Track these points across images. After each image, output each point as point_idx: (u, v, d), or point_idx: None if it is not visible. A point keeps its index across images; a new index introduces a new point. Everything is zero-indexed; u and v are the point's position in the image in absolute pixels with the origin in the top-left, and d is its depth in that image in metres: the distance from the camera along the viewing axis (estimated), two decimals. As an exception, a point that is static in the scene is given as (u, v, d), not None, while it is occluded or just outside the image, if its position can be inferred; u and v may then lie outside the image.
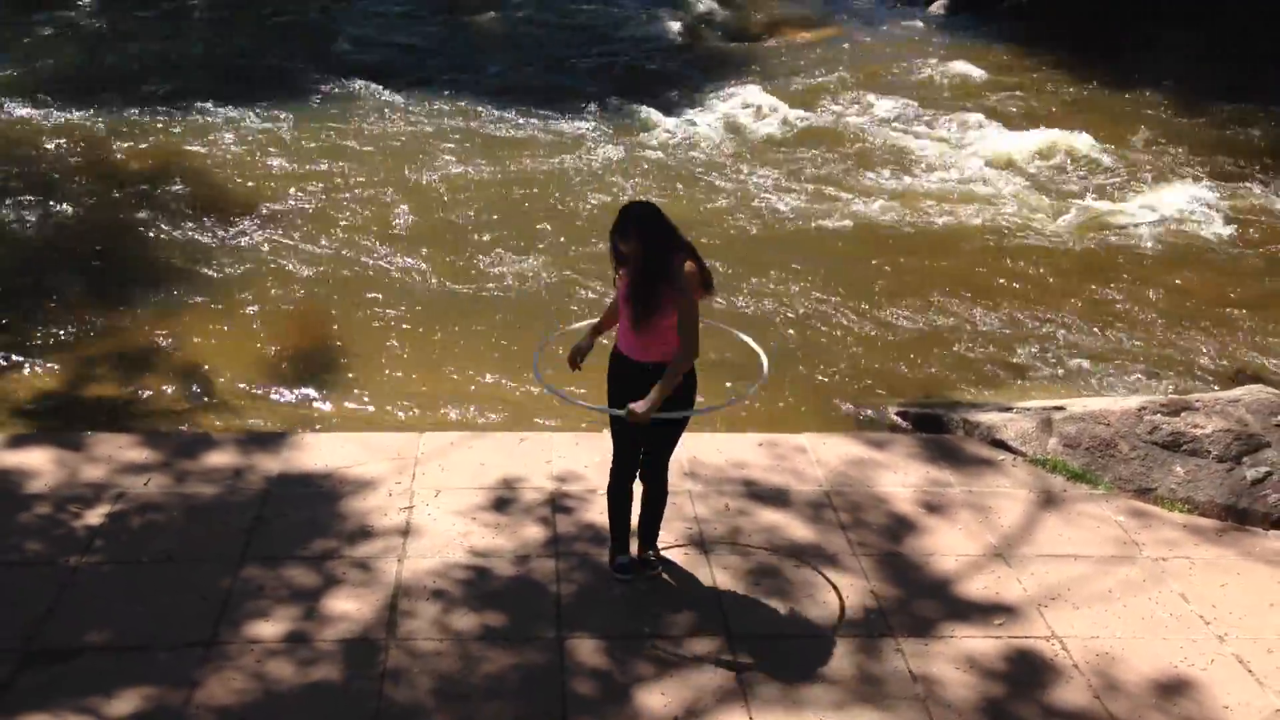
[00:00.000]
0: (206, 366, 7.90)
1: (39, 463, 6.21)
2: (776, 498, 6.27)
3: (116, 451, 6.37)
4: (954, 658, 5.15)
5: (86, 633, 5.01)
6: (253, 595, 5.29)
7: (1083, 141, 12.49)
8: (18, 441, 6.46)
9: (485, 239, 9.88)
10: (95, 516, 5.79)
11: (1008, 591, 5.62)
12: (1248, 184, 11.80)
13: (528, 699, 4.78)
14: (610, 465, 5.41)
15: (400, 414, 7.43)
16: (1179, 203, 11.25)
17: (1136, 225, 10.82)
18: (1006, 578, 5.72)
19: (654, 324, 4.96)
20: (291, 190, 10.64)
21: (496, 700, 4.76)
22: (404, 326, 8.49)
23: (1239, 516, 6.50)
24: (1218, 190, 11.50)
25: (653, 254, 4.90)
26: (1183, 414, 6.96)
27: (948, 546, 5.95)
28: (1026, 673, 5.09)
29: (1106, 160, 12.26)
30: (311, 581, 5.41)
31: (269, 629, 5.08)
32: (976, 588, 5.64)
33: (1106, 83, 14.84)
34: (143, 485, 6.08)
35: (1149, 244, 10.44)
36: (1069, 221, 10.80)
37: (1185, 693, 5.00)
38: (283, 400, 7.61)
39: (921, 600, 5.53)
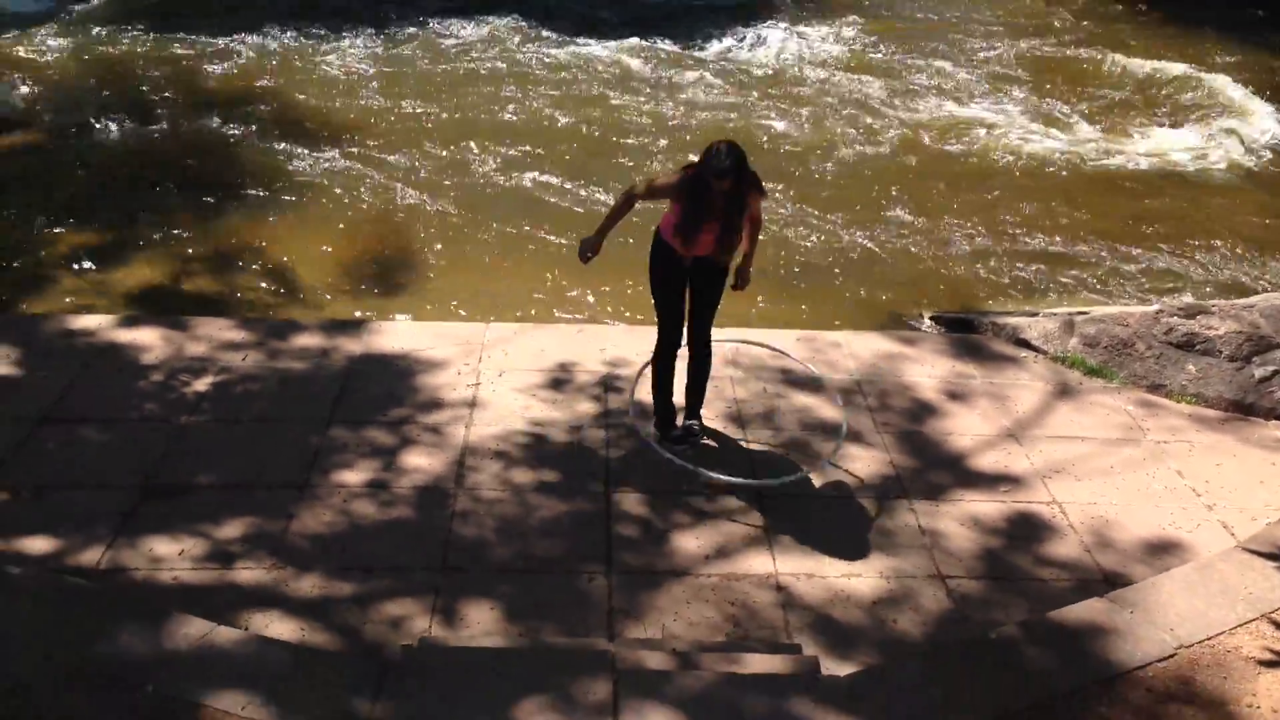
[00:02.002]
0: (292, 266, 8.61)
1: (150, 339, 6.97)
2: (810, 384, 6.84)
3: (216, 332, 7.11)
4: (960, 517, 5.72)
5: (196, 475, 5.74)
6: (338, 450, 6.00)
7: (1149, 73, 12.76)
8: (130, 321, 7.22)
9: (551, 158, 10.47)
10: (200, 384, 6.53)
11: (1016, 465, 6.17)
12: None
13: (578, 538, 5.44)
14: (654, 350, 6.00)
15: (468, 309, 8.08)
16: (1231, 136, 11.55)
17: (1186, 155, 11.15)
18: (1016, 454, 6.26)
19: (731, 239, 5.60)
20: (370, 113, 11.33)
21: (550, 538, 5.43)
22: (474, 234, 9.14)
23: (1244, 410, 6.96)
24: (1270, 125, 11.76)
25: (742, 194, 5.47)
26: (1198, 317, 7.40)
27: (965, 428, 6.49)
28: (1025, 530, 5.65)
29: (1154, 91, 12.55)
30: (389, 441, 6.11)
31: (353, 476, 5.79)
32: (987, 461, 6.19)
33: (1163, 18, 15.01)
34: (240, 360, 6.81)
35: (1188, 175, 10.78)
36: (1120, 151, 11.16)
37: (1170, 550, 5.51)
38: (361, 296, 8.30)
39: (935, 470, 6.10)
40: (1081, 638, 4.24)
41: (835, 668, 4.55)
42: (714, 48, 13.61)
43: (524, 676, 3.91)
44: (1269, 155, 11.22)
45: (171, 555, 5.16)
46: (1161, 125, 11.82)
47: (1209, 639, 4.25)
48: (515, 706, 3.74)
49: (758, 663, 4.12)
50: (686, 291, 5.81)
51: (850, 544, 5.49)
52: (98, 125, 10.78)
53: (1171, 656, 4.16)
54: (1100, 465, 6.20)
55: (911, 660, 4.35)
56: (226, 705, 3.70)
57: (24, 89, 11.60)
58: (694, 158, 5.73)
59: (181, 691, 3.73)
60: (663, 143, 10.72)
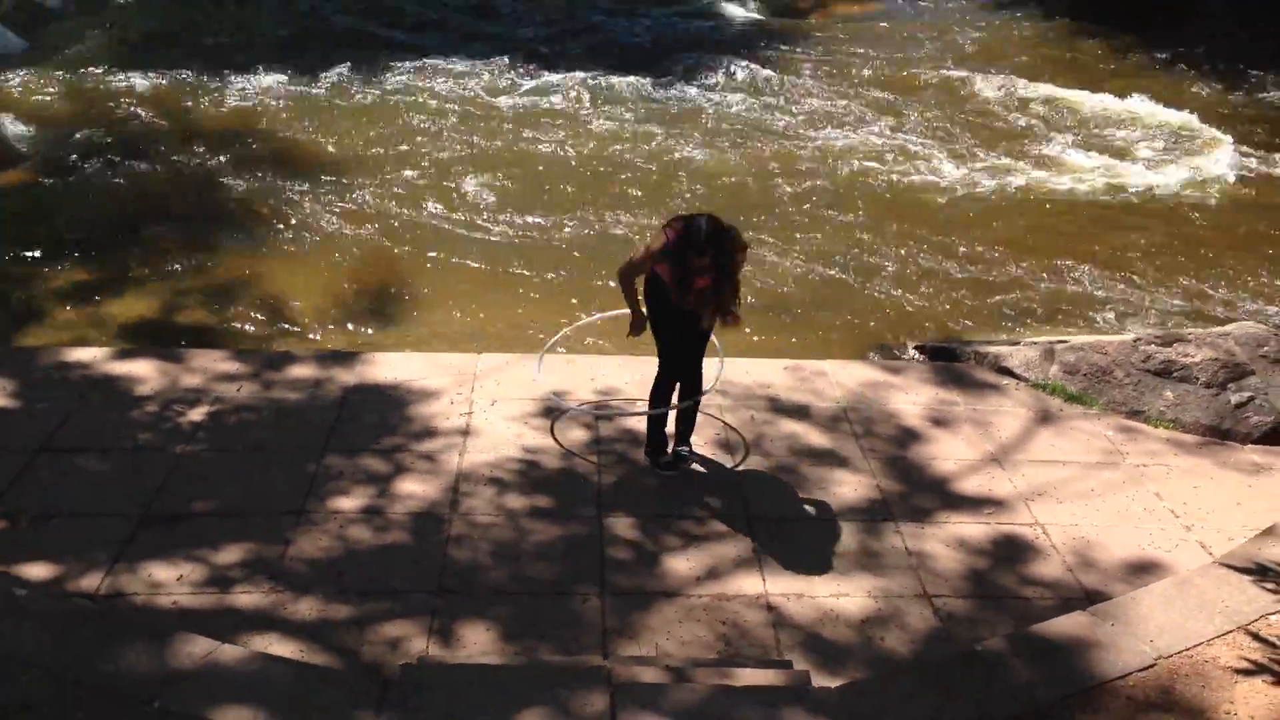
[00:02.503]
0: (285, 299, 8.72)
1: (145, 371, 7.06)
2: (798, 412, 6.97)
3: (211, 364, 7.21)
4: (946, 539, 5.84)
5: (193, 502, 5.82)
6: (334, 478, 6.09)
7: (1117, 108, 13.07)
8: (125, 354, 7.31)
9: (540, 194, 10.64)
10: (196, 414, 6.62)
11: (999, 488, 6.30)
12: (1266, 150, 12.34)
13: (571, 561, 5.54)
14: (655, 378, 6.15)
15: (459, 341, 8.19)
16: (1207, 165, 11.83)
17: (1160, 185, 11.40)
18: (999, 478, 6.40)
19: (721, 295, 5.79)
20: (359, 147, 11.50)
21: (544, 561, 5.52)
22: (464, 267, 9.27)
23: (1221, 435, 7.12)
24: (1244, 157, 12.05)
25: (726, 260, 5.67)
26: (1175, 345, 7.58)
27: (949, 453, 6.63)
28: (1009, 551, 5.77)
29: (1140, 125, 12.82)
30: (384, 468, 6.20)
31: (349, 503, 5.88)
32: (971, 485, 6.32)
33: (1147, 59, 15.37)
34: (235, 391, 6.90)
35: (1161, 205, 11.03)
36: (1094, 179, 11.40)
37: (1150, 569, 5.64)
38: (353, 328, 8.41)
39: (921, 494, 6.22)
40: (1065, 650, 4.36)
41: (826, 682, 4.64)
42: (690, 88, 13.82)
43: (523, 690, 4.00)
44: (1239, 186, 11.47)
45: (170, 580, 5.23)
46: (1132, 159, 12.06)
47: (1187, 650, 4.37)
48: (516, 718, 3.83)
49: (750, 676, 4.22)
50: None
51: (838, 565, 5.61)
52: (88, 163, 10.91)
53: (1151, 667, 4.28)
54: (1081, 488, 6.33)
55: (901, 673, 4.46)
56: (232, 720, 3.79)
57: (13, 128, 11.71)
58: (678, 211, 5.89)
59: (187, 708, 3.81)
60: (646, 179, 10.92)
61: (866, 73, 14.48)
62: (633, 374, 7.21)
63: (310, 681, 4.07)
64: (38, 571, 5.19)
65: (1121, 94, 13.64)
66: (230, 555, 5.43)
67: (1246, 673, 4.27)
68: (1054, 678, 4.22)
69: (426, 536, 5.66)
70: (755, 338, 8.35)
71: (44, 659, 3.98)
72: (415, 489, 6.03)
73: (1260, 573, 4.87)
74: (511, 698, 3.95)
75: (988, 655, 4.39)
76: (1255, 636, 4.47)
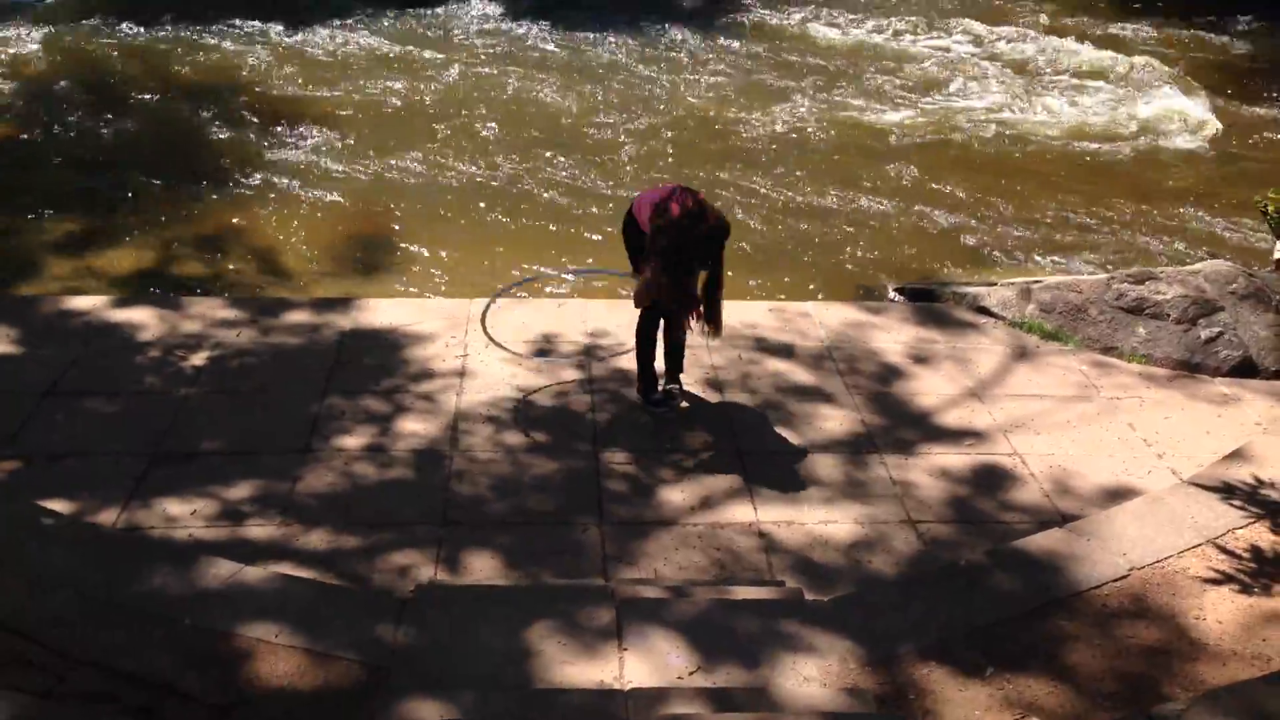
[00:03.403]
0: (276, 250, 8.86)
1: (144, 318, 7.20)
2: (783, 351, 7.19)
3: (209, 311, 7.35)
4: (928, 469, 6.09)
5: (201, 442, 6.00)
6: (336, 418, 6.27)
7: (1092, 54, 13.32)
8: (124, 302, 7.44)
9: (521, 143, 10.78)
10: (197, 359, 6.78)
11: (979, 421, 6.54)
12: (1242, 100, 12.62)
13: (569, 493, 5.75)
14: (640, 317, 6.33)
15: (452, 286, 8.36)
16: (1175, 113, 12.08)
17: (1133, 132, 11.65)
18: (979, 411, 6.64)
19: None
20: (346, 101, 11.60)
21: (543, 493, 5.73)
22: (452, 217, 9.43)
23: (1192, 369, 7.38)
24: (1212, 101, 12.31)
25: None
26: (1147, 283, 7.82)
27: (930, 388, 6.86)
28: (989, 479, 6.02)
29: (1109, 71, 13.06)
30: (384, 408, 6.39)
31: (352, 441, 6.07)
32: (952, 418, 6.56)
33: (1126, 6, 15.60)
34: (235, 336, 7.05)
35: (1139, 150, 11.28)
36: (1062, 124, 11.64)
37: (1124, 495, 5.86)
38: (344, 278, 8.55)
39: (904, 427, 6.46)
40: (1043, 562, 4.61)
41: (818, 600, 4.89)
42: (678, 37, 13.95)
43: (532, 606, 4.22)
44: (1205, 133, 11.74)
45: (184, 515, 5.41)
46: (1101, 104, 12.31)
47: (1159, 561, 4.63)
48: (527, 630, 4.05)
49: (746, 593, 4.44)
50: None
51: (826, 495, 5.84)
52: (73, 117, 10.97)
53: (1125, 577, 4.54)
54: (1057, 420, 6.58)
55: (889, 585, 4.70)
56: (260, 634, 3.99)
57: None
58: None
59: (216, 623, 4.01)
60: (627, 130, 11.07)
61: (842, 28, 14.61)
62: (620, 317, 7.39)
63: (331, 598, 4.28)
64: (56, 508, 5.33)
65: (1091, 42, 13.87)
66: (241, 491, 5.61)
67: (1214, 582, 4.53)
68: (1033, 587, 4.47)
69: (429, 472, 5.85)
70: (739, 281, 8.54)
71: (73, 580, 4.16)
72: (416, 428, 6.22)
73: (1227, 491, 5.12)
74: (523, 612, 4.17)
75: (971, 568, 4.64)
76: (1222, 549, 4.73)
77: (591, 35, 13.76)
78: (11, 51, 12.67)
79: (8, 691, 3.42)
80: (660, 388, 6.53)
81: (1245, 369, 7.43)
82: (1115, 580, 4.52)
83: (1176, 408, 6.78)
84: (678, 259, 5.78)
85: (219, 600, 4.17)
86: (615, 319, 7.40)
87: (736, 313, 7.57)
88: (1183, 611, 4.39)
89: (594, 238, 9.09)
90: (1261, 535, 4.80)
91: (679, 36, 13.98)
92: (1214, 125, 11.89)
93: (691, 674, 3.97)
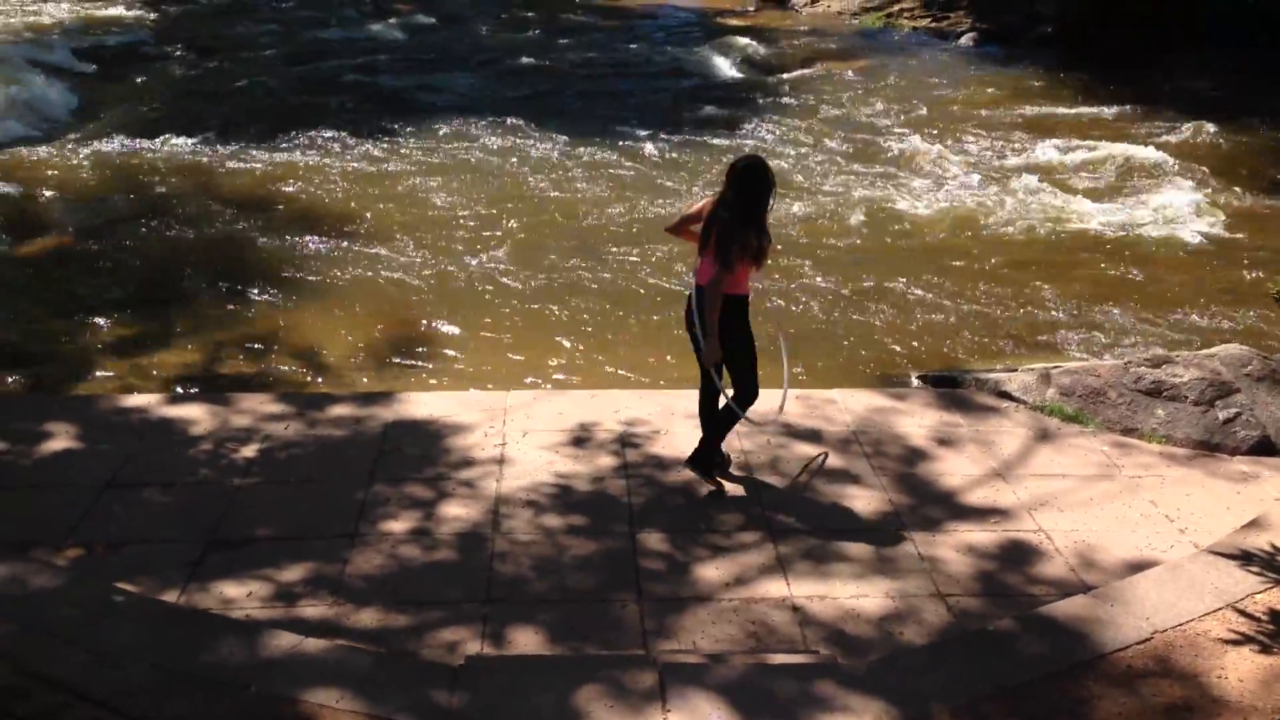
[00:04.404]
0: (318, 348, 9.19)
1: (197, 414, 7.51)
2: (810, 435, 7.43)
3: (258, 406, 7.67)
4: (956, 545, 6.27)
5: (254, 529, 6.25)
6: (382, 504, 6.53)
7: (1099, 148, 13.75)
8: (176, 399, 7.78)
9: (554, 244, 11.19)
10: (248, 451, 7.07)
11: (1004, 499, 6.74)
12: (1248, 191, 12.97)
13: (608, 572, 5.96)
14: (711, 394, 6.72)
15: (488, 381, 8.66)
16: (1183, 204, 12.43)
17: (1144, 224, 11.99)
18: (1003, 490, 6.84)
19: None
20: (380, 208, 12.07)
21: (582, 572, 5.94)
22: (487, 315, 9.77)
23: (1211, 449, 7.56)
24: (1218, 194, 12.67)
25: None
26: (1164, 366, 8.05)
27: (955, 469, 7.07)
28: (1016, 555, 6.19)
29: (1120, 167, 13.46)
30: (428, 495, 6.64)
31: (398, 526, 6.31)
32: (977, 497, 6.76)
33: (1124, 100, 16.10)
34: (283, 429, 7.35)
35: (1144, 238, 11.62)
36: (1081, 219, 11.98)
37: (1147, 567, 6.01)
38: (384, 373, 8.87)
39: (930, 506, 6.66)
40: (1069, 627, 4.79)
41: (851, 669, 5.06)
42: (707, 142, 14.47)
43: (579, 673, 4.42)
44: (1218, 223, 12.06)
45: (240, 597, 5.64)
46: (1109, 198, 12.68)
47: (1181, 625, 4.79)
48: (575, 694, 4.25)
49: (783, 659, 4.63)
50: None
51: (856, 570, 6.02)
52: (119, 228, 11.45)
53: (1149, 640, 4.70)
54: (1081, 498, 6.76)
55: (921, 650, 4.87)
56: (323, 700, 4.20)
57: (44, 196, 12.26)
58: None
59: (280, 690, 4.22)
60: (650, 227, 11.48)
61: (857, 120, 15.13)
62: (652, 406, 7.68)
63: (388, 666, 4.49)
64: (117, 591, 5.60)
65: (1098, 137, 14.32)
66: (293, 574, 5.85)
67: (1235, 643, 4.69)
68: (1060, 650, 4.64)
69: (472, 553, 6.08)
70: (762, 371, 8.79)
71: (145, 652, 4.39)
72: (458, 512, 6.46)
73: (1245, 558, 5.30)
74: (570, 678, 4.37)
75: (1000, 633, 4.81)
76: (1242, 613, 4.89)
77: (622, 150, 14.30)
78: (61, 168, 13.24)
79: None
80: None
81: (1264, 448, 7.60)
82: (1139, 643, 4.68)
83: (1197, 485, 6.95)
84: (743, 216, 6.15)
85: (282, 669, 4.39)
86: (647, 408, 7.68)
87: (763, 399, 7.83)
88: (1205, 671, 4.55)
89: (620, 335, 9.40)
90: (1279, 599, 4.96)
91: (701, 138, 14.51)
92: (1225, 216, 12.22)
93: (733, 734, 4.15)
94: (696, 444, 6.81)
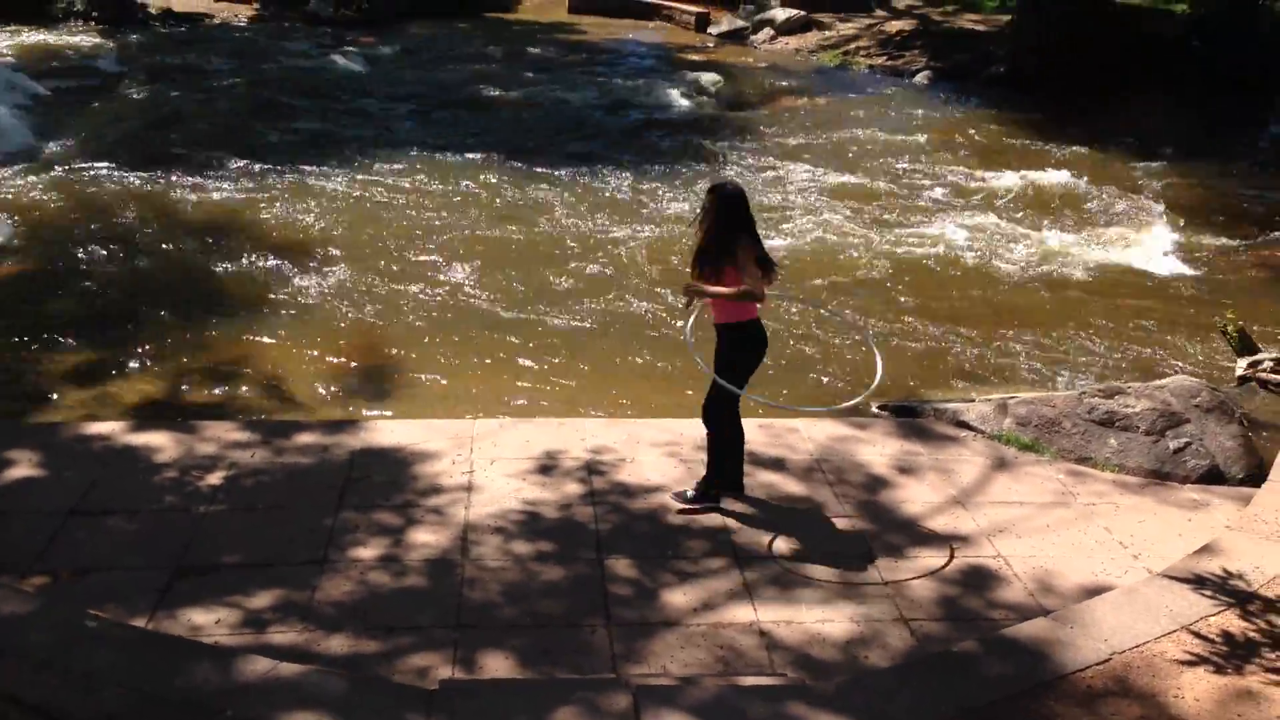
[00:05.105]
0: (282, 376, 9.19)
1: (162, 441, 7.50)
2: (774, 464, 7.54)
3: (223, 433, 7.66)
4: (917, 570, 6.39)
5: (221, 556, 6.25)
6: (350, 531, 6.55)
7: (1051, 184, 14.12)
8: (140, 426, 7.75)
9: (517, 274, 11.27)
10: (214, 478, 7.07)
11: (963, 526, 6.88)
12: (1197, 228, 13.35)
13: (577, 597, 6.02)
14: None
15: (454, 408, 8.70)
16: (1134, 240, 12.77)
17: (1096, 258, 12.29)
18: (963, 517, 6.98)
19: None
20: (342, 236, 12.10)
21: (551, 598, 6.00)
22: (451, 342, 9.82)
23: (1162, 477, 7.76)
24: (1168, 231, 13.04)
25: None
26: (1116, 397, 8.25)
27: (915, 496, 7.21)
28: (976, 580, 6.33)
29: (1071, 202, 13.80)
30: (396, 521, 6.67)
31: (367, 552, 6.34)
32: (938, 524, 6.90)
33: (1074, 139, 16.50)
34: (249, 457, 7.36)
35: (1096, 273, 11.91)
36: (1035, 254, 12.25)
37: (1102, 592, 6.17)
38: (349, 401, 8.89)
39: (892, 532, 6.78)
40: (1030, 649, 4.91)
41: (818, 691, 5.14)
42: (668, 174, 14.65)
43: (555, 696, 4.47)
44: (1174, 259, 12.40)
45: (209, 624, 5.64)
46: (1069, 232, 13.00)
47: (1138, 646, 4.93)
48: (552, 716, 4.30)
49: (753, 681, 4.71)
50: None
51: (821, 595, 6.13)
52: (82, 254, 11.39)
53: (1107, 661, 4.83)
54: (1038, 525, 6.92)
55: (887, 672, 4.97)
56: (298, 722, 4.22)
57: (8, 223, 12.18)
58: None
59: (256, 714, 4.24)
60: (615, 259, 11.60)
61: (813, 156, 15.39)
62: (619, 433, 7.77)
63: (363, 690, 4.52)
64: (85, 618, 5.58)
65: (1049, 173, 14.69)
66: (261, 601, 5.86)
67: (1190, 664, 4.83)
68: (1021, 671, 4.76)
69: (442, 579, 6.12)
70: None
71: (121, 676, 4.40)
72: (427, 539, 6.50)
73: (1198, 582, 5.46)
74: (545, 702, 4.42)
75: (963, 655, 4.93)
76: (1196, 634, 5.04)
77: (586, 184, 14.44)
78: (20, 195, 13.15)
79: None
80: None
81: (1213, 477, 7.81)
82: (1098, 664, 4.81)
83: (1149, 512, 7.13)
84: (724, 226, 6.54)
85: (257, 693, 4.40)
86: (614, 435, 7.77)
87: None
88: (1162, 691, 4.68)
89: (583, 366, 9.50)
90: (1232, 621, 5.12)
91: (662, 169, 14.69)
92: (1175, 251, 12.57)
93: (705, 755, 4.22)
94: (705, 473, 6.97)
